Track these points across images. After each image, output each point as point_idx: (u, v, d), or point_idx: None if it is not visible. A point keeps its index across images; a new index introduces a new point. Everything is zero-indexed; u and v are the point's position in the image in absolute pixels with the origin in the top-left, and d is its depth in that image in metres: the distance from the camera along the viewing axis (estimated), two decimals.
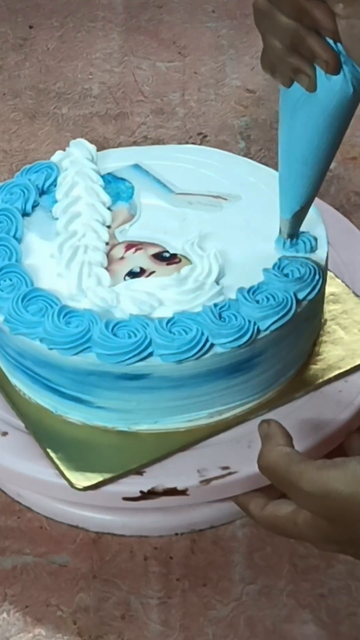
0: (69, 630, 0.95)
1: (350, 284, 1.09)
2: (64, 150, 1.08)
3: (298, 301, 0.94)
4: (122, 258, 0.99)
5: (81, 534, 1.01)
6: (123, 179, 1.06)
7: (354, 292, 1.06)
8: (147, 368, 0.91)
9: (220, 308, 0.92)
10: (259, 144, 1.40)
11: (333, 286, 1.06)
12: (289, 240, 0.97)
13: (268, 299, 0.93)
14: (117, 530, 1.01)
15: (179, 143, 1.39)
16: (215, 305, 0.92)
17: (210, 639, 0.94)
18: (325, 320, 1.04)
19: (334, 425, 0.96)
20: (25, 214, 1.02)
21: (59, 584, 0.98)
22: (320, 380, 0.99)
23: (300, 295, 0.94)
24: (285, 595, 0.96)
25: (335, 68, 0.80)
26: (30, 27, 1.62)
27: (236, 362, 0.92)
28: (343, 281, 1.08)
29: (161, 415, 0.95)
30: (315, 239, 0.98)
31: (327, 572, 0.97)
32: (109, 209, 1.03)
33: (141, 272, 0.97)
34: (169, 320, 0.91)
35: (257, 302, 0.92)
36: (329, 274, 1.05)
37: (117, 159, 1.08)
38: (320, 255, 0.98)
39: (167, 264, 0.97)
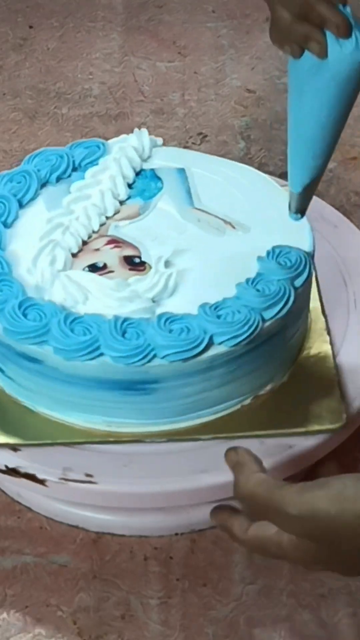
0: (69, 630, 0.95)
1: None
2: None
3: (263, 320, 0.93)
4: (97, 250, 1.00)
5: (81, 534, 1.01)
6: (159, 179, 1.06)
7: None
8: (40, 355, 0.92)
9: (167, 320, 0.92)
10: (259, 144, 1.40)
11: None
12: (299, 215, 0.97)
13: (233, 314, 0.92)
14: (117, 530, 1.01)
15: (179, 143, 1.39)
16: (161, 315, 0.92)
17: (210, 639, 0.94)
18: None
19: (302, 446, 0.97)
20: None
21: (59, 584, 0.98)
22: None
23: (267, 315, 0.94)
24: (285, 595, 0.96)
25: (346, 31, 0.81)
26: (30, 27, 1.62)
27: (129, 380, 0.92)
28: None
29: (60, 406, 0.96)
30: (301, 257, 0.98)
31: (327, 572, 0.97)
32: (121, 202, 1.03)
33: (102, 268, 0.98)
34: (75, 319, 0.92)
35: (219, 317, 0.92)
36: None
37: (172, 158, 1.08)
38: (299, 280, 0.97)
39: (130, 269, 0.97)
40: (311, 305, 1.04)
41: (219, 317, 0.92)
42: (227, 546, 0.99)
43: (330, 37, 0.82)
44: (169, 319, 0.92)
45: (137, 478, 0.94)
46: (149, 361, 0.91)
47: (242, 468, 0.80)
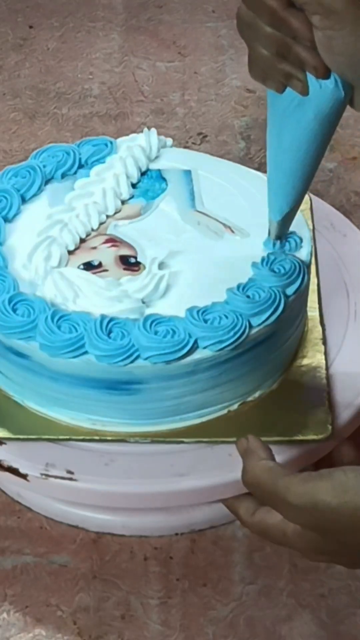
0: (69, 630, 0.95)
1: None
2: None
3: (250, 326, 0.93)
4: (94, 248, 1.00)
5: (81, 534, 1.01)
6: (164, 179, 1.06)
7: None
8: (27, 350, 0.92)
9: (153, 322, 0.92)
10: (259, 144, 1.40)
11: None
12: (277, 242, 0.97)
13: (220, 320, 0.92)
14: (117, 530, 1.01)
15: (179, 143, 1.39)
16: (148, 317, 0.92)
17: (210, 639, 0.94)
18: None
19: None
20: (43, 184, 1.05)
21: (59, 584, 0.98)
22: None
23: (255, 321, 0.93)
24: (285, 595, 0.96)
25: (324, 73, 0.80)
26: (30, 27, 1.62)
27: (113, 380, 0.93)
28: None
29: (46, 402, 0.96)
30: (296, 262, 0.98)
31: (327, 572, 0.97)
32: (123, 201, 1.03)
33: (97, 267, 0.98)
34: (62, 316, 0.92)
35: (206, 321, 0.92)
36: None
37: (180, 160, 1.08)
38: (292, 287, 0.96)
39: (125, 269, 0.97)
40: (309, 313, 1.04)
41: (205, 321, 0.91)
42: (227, 546, 0.99)
43: (311, 77, 0.81)
44: (155, 320, 0.92)
45: (117, 478, 0.94)
46: (132, 362, 0.91)
47: (250, 455, 0.81)
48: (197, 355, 0.91)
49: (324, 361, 1.01)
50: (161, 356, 0.90)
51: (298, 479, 0.76)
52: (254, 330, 0.92)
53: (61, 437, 0.96)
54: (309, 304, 1.04)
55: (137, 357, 0.91)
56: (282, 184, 0.91)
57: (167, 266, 0.97)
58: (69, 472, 0.94)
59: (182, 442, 0.96)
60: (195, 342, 0.91)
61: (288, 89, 0.83)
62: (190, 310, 0.92)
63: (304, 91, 0.81)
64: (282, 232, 0.96)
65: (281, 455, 0.92)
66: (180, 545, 1.00)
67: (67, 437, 0.96)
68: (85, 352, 0.91)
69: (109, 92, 1.51)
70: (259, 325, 0.92)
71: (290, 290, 0.95)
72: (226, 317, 0.92)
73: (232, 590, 0.97)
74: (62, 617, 0.96)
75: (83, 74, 1.54)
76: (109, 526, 1.01)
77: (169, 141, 1.09)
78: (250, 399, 0.98)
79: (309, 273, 0.97)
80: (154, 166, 1.07)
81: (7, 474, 0.95)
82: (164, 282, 0.95)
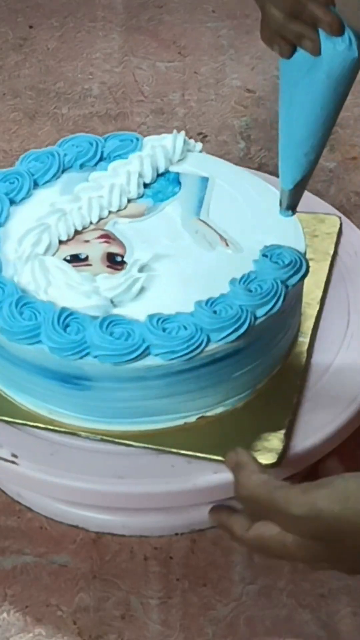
0: (69, 630, 0.95)
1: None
2: None
3: (208, 341, 0.92)
4: (87, 241, 1.00)
5: (81, 534, 1.01)
6: (180, 184, 1.05)
7: None
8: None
9: (111, 322, 0.92)
10: (259, 144, 1.40)
11: None
12: (290, 212, 0.97)
13: (178, 330, 0.92)
14: (117, 530, 1.01)
15: None
16: (107, 317, 0.92)
17: (210, 639, 0.94)
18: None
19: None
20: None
21: (59, 584, 0.98)
22: None
23: (214, 337, 0.92)
24: (285, 595, 0.96)
25: (338, 29, 0.81)
26: (30, 27, 1.62)
27: (65, 373, 0.93)
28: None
29: (10, 385, 0.98)
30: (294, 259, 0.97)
31: (327, 572, 0.97)
32: (129, 200, 1.03)
33: (83, 260, 0.98)
34: (26, 303, 0.93)
35: (164, 330, 0.91)
36: None
37: (203, 166, 1.06)
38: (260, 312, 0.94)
39: (108, 266, 0.97)
40: (300, 339, 1.03)
41: (164, 329, 0.91)
42: (227, 546, 0.99)
43: (322, 35, 0.83)
44: (113, 321, 0.92)
45: (57, 468, 0.94)
46: (81, 357, 0.91)
47: (242, 469, 0.80)
48: (149, 361, 0.91)
49: (297, 386, 1.00)
50: (110, 357, 0.91)
51: (297, 490, 0.75)
52: (212, 346, 0.92)
53: (18, 420, 0.97)
54: (303, 329, 1.03)
55: (87, 354, 0.91)
56: (294, 151, 0.90)
57: (151, 269, 0.97)
58: (14, 455, 0.95)
59: (130, 445, 0.96)
60: (148, 348, 0.91)
61: (298, 54, 0.84)
62: (151, 316, 0.92)
63: (316, 50, 0.82)
64: (294, 202, 0.96)
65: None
66: (180, 545, 1.00)
67: (23, 422, 0.97)
68: (40, 342, 0.92)
69: (109, 92, 1.51)
70: (219, 341, 0.92)
71: (260, 312, 0.93)
72: (185, 328, 0.91)
73: (232, 590, 0.97)
74: (62, 617, 0.96)
75: (83, 74, 1.54)
76: (109, 526, 1.01)
77: (199, 145, 1.08)
78: (210, 414, 0.97)
79: (284, 298, 0.94)
80: (175, 169, 1.06)
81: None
82: (137, 285, 0.95)
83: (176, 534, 1.01)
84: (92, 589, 0.97)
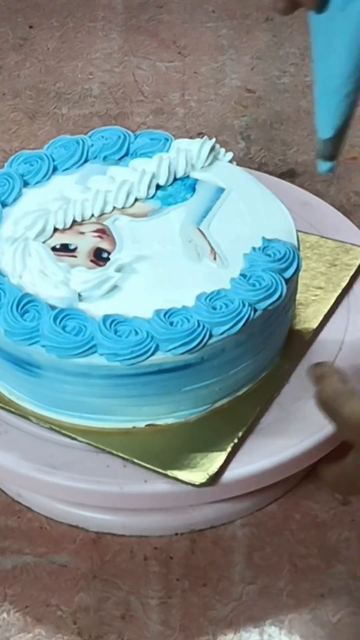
0: (69, 630, 0.95)
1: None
2: None
3: (156, 349, 0.92)
4: (82, 233, 1.01)
5: (81, 534, 1.01)
6: (194, 190, 1.05)
7: None
8: None
9: (65, 316, 0.93)
10: (259, 144, 1.40)
11: None
12: (332, 163, 0.92)
13: (128, 334, 0.92)
14: (117, 530, 1.01)
15: None
16: (63, 310, 0.93)
17: (210, 639, 0.94)
18: None
19: None
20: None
21: (59, 584, 0.98)
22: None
23: (163, 347, 0.92)
24: (285, 595, 0.96)
25: None
26: (30, 27, 1.62)
27: (17, 357, 0.95)
28: None
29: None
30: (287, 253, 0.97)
31: (327, 572, 0.97)
32: (136, 199, 1.04)
33: (70, 251, 0.99)
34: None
35: (116, 332, 0.91)
36: None
37: (225, 176, 1.05)
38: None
39: (91, 260, 0.98)
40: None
41: (115, 332, 0.91)
42: (227, 546, 0.99)
43: None
44: (68, 315, 0.93)
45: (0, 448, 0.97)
46: (30, 345, 0.92)
47: (326, 377, 0.83)
48: (94, 360, 0.91)
49: (254, 412, 0.98)
50: (56, 349, 0.91)
51: (357, 397, 0.79)
52: (159, 355, 0.91)
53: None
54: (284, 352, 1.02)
55: (36, 342, 0.92)
56: (334, 96, 0.87)
57: (133, 270, 0.97)
58: None
59: (75, 439, 0.97)
60: (94, 347, 0.91)
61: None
62: (105, 316, 0.92)
63: None
64: (335, 152, 0.92)
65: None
66: (180, 545, 1.00)
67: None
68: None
69: (109, 92, 1.51)
70: (167, 352, 0.91)
71: (217, 330, 0.92)
72: (136, 333, 0.91)
73: (232, 590, 0.97)
74: (62, 617, 0.96)
75: (83, 74, 1.54)
76: (109, 526, 1.01)
77: (228, 155, 1.08)
78: (159, 422, 0.97)
79: (245, 322, 0.92)
80: (196, 175, 1.06)
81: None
82: (109, 283, 0.95)
83: (176, 534, 1.01)
84: (92, 589, 0.97)
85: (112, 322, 0.92)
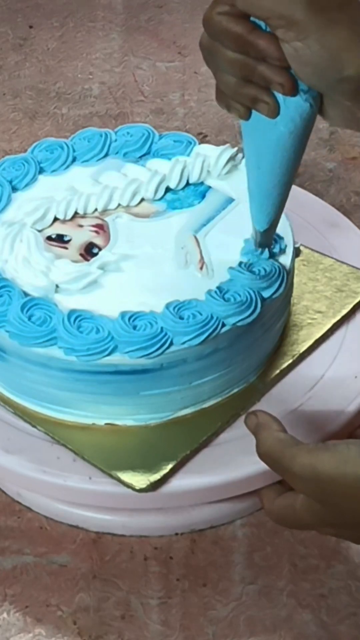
0: (69, 630, 0.95)
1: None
2: None
3: (113, 351, 0.92)
4: (80, 226, 1.01)
5: (81, 534, 1.01)
6: (203, 198, 1.04)
7: None
8: None
9: (34, 305, 0.94)
10: None
11: None
12: (265, 249, 0.95)
13: (89, 331, 0.92)
14: (117, 530, 1.01)
15: None
16: (32, 299, 0.94)
17: (210, 639, 0.94)
18: None
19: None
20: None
21: (59, 584, 0.98)
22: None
23: (122, 348, 0.92)
24: (285, 595, 0.96)
25: (292, 88, 0.78)
26: (30, 27, 1.62)
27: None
28: None
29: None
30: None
31: (327, 572, 0.97)
32: (143, 199, 1.04)
33: (64, 242, 1.00)
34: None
35: (78, 327, 0.92)
36: None
37: (238, 187, 1.04)
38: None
39: (80, 254, 0.99)
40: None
41: (78, 327, 0.92)
42: (227, 546, 0.99)
43: (277, 95, 0.79)
44: (36, 304, 0.93)
45: None
46: None
47: (263, 428, 0.82)
48: (52, 352, 0.92)
49: (216, 426, 0.98)
50: (17, 336, 0.92)
51: (304, 449, 0.77)
52: (116, 356, 0.91)
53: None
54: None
55: (2, 327, 0.93)
56: (264, 198, 0.89)
57: (118, 269, 0.97)
58: None
59: (35, 427, 0.98)
60: (54, 339, 0.92)
61: (256, 113, 0.82)
62: (71, 311, 0.92)
63: (272, 114, 0.80)
64: (269, 240, 0.95)
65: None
66: (180, 545, 1.00)
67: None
68: None
69: (109, 92, 1.51)
70: (125, 354, 0.91)
71: (178, 340, 0.91)
72: (98, 331, 0.91)
73: (232, 590, 0.97)
74: (62, 617, 0.96)
75: (83, 74, 1.54)
76: (109, 526, 1.01)
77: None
78: (118, 423, 0.97)
79: (208, 335, 0.91)
80: (211, 182, 1.05)
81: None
82: (87, 279, 0.95)
83: (176, 534, 1.01)
84: (92, 589, 0.97)
85: (77, 318, 0.92)
